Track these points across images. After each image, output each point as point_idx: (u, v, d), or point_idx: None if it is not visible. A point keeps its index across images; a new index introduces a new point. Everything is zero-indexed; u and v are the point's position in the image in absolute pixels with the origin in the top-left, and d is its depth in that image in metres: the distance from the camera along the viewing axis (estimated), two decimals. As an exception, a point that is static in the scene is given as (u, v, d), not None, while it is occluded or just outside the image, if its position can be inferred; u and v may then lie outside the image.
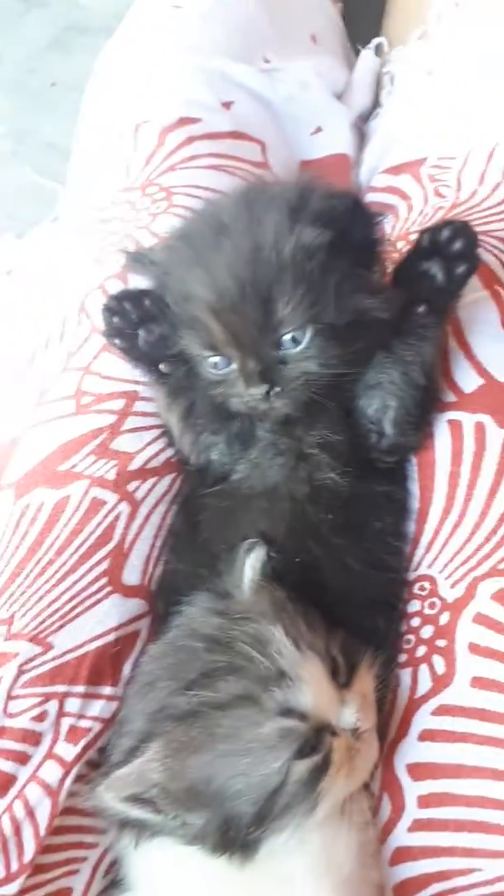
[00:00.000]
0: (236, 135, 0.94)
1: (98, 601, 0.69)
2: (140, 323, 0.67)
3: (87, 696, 0.67)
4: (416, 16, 1.05)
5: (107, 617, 0.69)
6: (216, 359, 0.65)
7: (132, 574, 0.71)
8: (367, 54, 1.10)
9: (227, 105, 0.94)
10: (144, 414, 0.76)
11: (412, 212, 0.90)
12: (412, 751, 0.65)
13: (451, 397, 0.73)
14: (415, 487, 0.73)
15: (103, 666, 0.68)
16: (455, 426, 0.72)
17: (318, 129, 1.03)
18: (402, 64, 1.05)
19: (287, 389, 0.64)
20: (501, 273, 0.79)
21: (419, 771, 0.64)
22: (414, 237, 0.69)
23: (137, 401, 0.76)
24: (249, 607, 0.64)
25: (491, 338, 0.74)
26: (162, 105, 0.94)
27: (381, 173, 0.99)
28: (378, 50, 1.11)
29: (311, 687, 0.59)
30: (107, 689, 0.68)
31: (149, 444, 0.76)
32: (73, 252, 0.90)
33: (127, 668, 0.69)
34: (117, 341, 0.68)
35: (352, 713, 0.61)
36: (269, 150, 0.96)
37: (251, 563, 0.66)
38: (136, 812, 0.58)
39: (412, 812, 0.63)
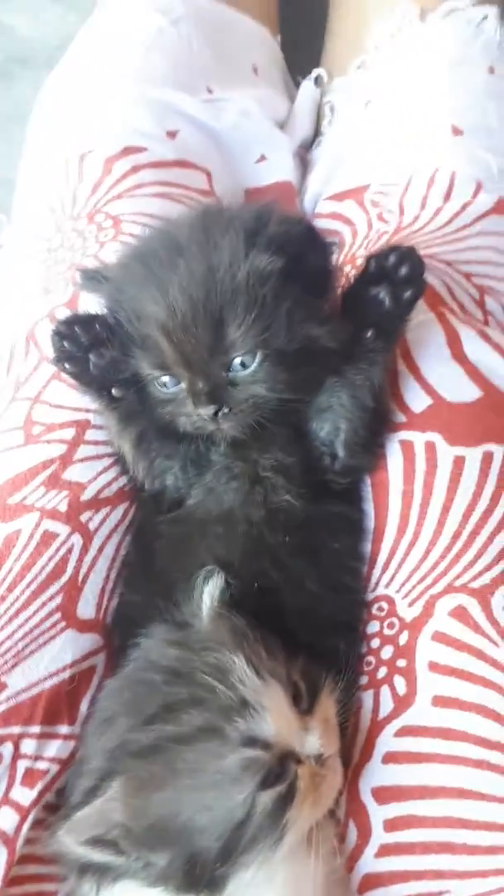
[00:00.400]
0: (182, 163, 0.94)
1: (52, 637, 0.67)
2: (90, 347, 0.65)
3: (44, 737, 0.65)
4: (354, 46, 1.07)
5: (62, 653, 0.67)
6: (165, 378, 0.65)
7: (86, 608, 0.70)
8: (307, 85, 1.12)
9: (171, 134, 0.94)
10: (96, 442, 0.75)
11: (357, 237, 0.91)
12: (376, 774, 0.64)
13: (401, 417, 0.74)
14: (369, 507, 0.74)
15: (59, 704, 0.66)
16: (406, 446, 0.72)
17: (262, 158, 1.04)
18: (341, 94, 1.07)
19: (235, 411, 0.64)
20: (445, 295, 0.81)
21: (384, 794, 0.63)
22: (360, 262, 0.70)
23: (89, 429, 0.75)
24: (209, 637, 0.63)
25: (438, 359, 0.75)
26: (106, 135, 0.93)
27: (325, 200, 1.01)
28: (317, 81, 1.12)
29: (273, 715, 0.58)
30: (63, 729, 0.66)
31: (101, 473, 0.74)
32: (20, 281, 0.89)
33: (84, 706, 0.68)
34: (67, 366, 0.66)
35: (315, 739, 0.60)
36: (214, 178, 0.97)
37: (209, 592, 0.65)
38: (98, 855, 0.56)
39: (379, 837, 0.62)
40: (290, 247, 0.63)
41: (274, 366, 0.63)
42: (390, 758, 0.64)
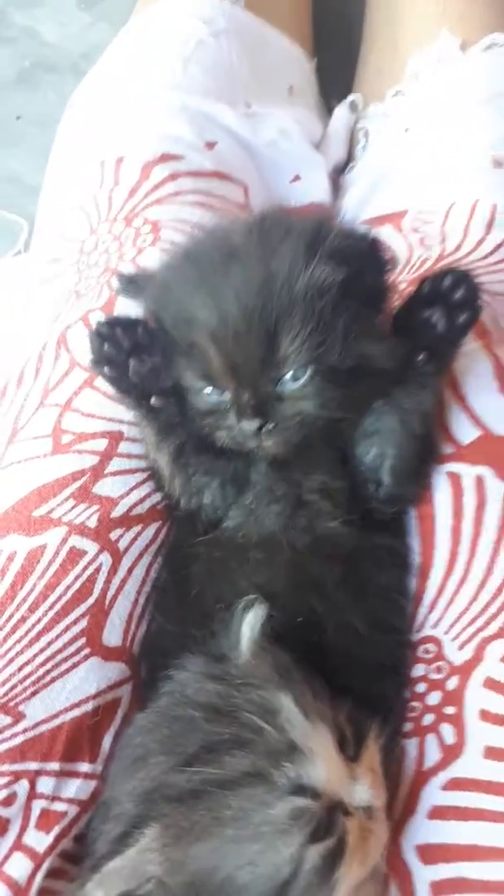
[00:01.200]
0: (220, 175, 0.91)
1: (75, 665, 0.62)
2: (131, 351, 0.62)
3: (63, 775, 0.59)
4: (390, 75, 1.06)
5: (85, 683, 0.62)
6: (209, 389, 0.61)
7: (113, 634, 0.65)
8: (341, 109, 1.10)
9: (210, 145, 0.92)
10: (129, 456, 0.70)
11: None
12: (421, 830, 0.59)
13: (448, 449, 0.70)
14: (415, 542, 0.70)
15: (80, 739, 0.61)
16: (454, 479, 0.69)
17: (297, 178, 1.02)
18: (377, 120, 1.05)
19: (280, 427, 0.60)
20: (491, 326, 0.78)
21: (430, 853, 0.58)
22: (404, 287, 0.68)
23: (122, 441, 0.71)
24: (251, 672, 0.58)
25: (486, 390, 0.72)
26: (143, 140, 0.91)
27: (361, 224, 0.98)
28: (352, 106, 1.11)
29: (323, 761, 0.53)
30: (84, 766, 0.60)
31: (134, 488, 0.70)
32: (50, 285, 0.84)
33: (106, 742, 0.62)
34: (106, 369, 0.62)
35: (365, 789, 0.56)
36: (250, 193, 0.95)
37: (249, 623, 0.60)
38: (128, 913, 0.50)
39: (424, 901, 0.57)
40: (350, 260, 0.60)
41: (325, 382, 0.60)
42: (437, 813, 0.59)
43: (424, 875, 0.58)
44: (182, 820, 0.51)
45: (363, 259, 0.61)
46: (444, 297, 0.63)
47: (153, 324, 0.63)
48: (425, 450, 0.68)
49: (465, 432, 0.70)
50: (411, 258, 0.88)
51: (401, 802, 0.62)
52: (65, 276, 0.84)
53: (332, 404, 0.61)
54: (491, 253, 0.85)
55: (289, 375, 0.60)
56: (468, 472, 0.68)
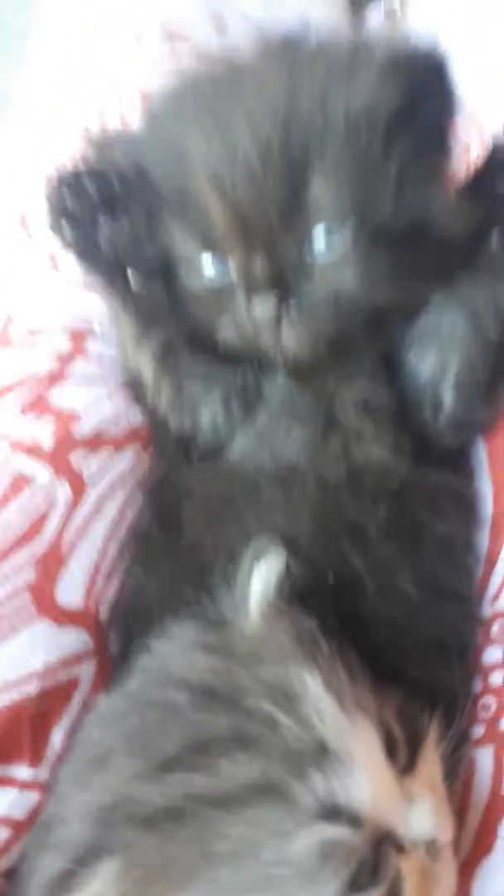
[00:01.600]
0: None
1: (14, 628, 0.47)
2: (102, 207, 0.47)
3: None
4: None
5: (27, 654, 0.47)
6: (208, 258, 0.47)
7: (71, 592, 0.50)
8: (376, 18, 0.96)
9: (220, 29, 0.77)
10: (100, 358, 0.56)
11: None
12: (501, 877, 0.43)
13: None
14: (486, 487, 0.54)
15: (18, 732, 0.45)
16: None
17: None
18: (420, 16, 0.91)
19: (307, 311, 0.45)
20: None
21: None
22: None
23: (90, 339, 0.56)
24: (261, 642, 0.42)
25: None
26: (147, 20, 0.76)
27: None
28: (388, 16, 0.96)
29: (367, 771, 0.37)
30: (22, 772, 0.45)
31: (104, 401, 0.55)
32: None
33: (56, 738, 0.47)
34: (68, 231, 0.48)
35: (426, 815, 0.40)
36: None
37: (261, 575, 0.45)
38: None
39: None
40: (411, 78, 0.45)
41: (370, 248, 0.45)
42: None
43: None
44: (153, 854, 0.35)
45: (426, 78, 0.46)
46: None
47: (135, 174, 0.48)
48: (501, 362, 0.52)
49: None
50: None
51: (470, 834, 0.46)
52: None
53: (380, 281, 0.46)
54: None
55: (320, 236, 0.45)
56: None
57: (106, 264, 0.49)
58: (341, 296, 0.46)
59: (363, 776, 0.37)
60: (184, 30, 0.79)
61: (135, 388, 0.55)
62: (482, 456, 0.55)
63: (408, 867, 0.37)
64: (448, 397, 0.51)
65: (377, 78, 0.44)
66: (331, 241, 0.45)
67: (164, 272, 0.49)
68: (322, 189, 0.44)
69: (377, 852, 0.37)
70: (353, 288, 0.45)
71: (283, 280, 0.45)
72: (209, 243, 0.46)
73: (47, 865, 0.37)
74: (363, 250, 0.45)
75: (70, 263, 0.55)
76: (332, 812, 0.36)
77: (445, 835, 0.40)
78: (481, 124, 0.64)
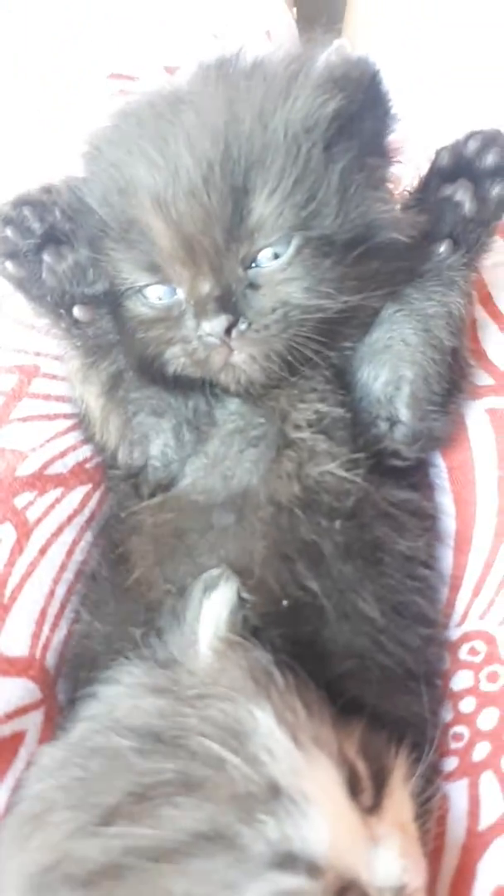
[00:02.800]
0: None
1: None
2: (45, 242, 0.46)
3: None
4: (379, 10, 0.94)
5: None
6: (155, 286, 0.45)
7: (15, 639, 0.47)
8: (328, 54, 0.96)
9: (170, 70, 0.76)
10: (47, 397, 0.54)
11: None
12: None
13: (486, 379, 0.53)
14: (447, 501, 0.51)
15: None
16: (497, 417, 0.52)
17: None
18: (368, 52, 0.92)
19: (257, 327, 0.43)
20: None
21: None
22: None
23: (37, 378, 0.54)
24: (211, 679, 0.39)
25: None
26: (95, 61, 0.76)
27: None
28: (338, 53, 0.97)
29: (325, 813, 0.33)
30: None
31: (51, 439, 0.52)
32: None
33: (2, 798, 0.43)
34: (9, 265, 0.46)
35: (393, 859, 0.36)
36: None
37: (212, 609, 0.42)
38: None
39: None
40: (348, 88, 0.44)
41: (316, 258, 0.43)
42: None
43: None
44: None
45: (363, 88, 0.45)
46: (469, 167, 0.48)
47: (79, 204, 0.46)
48: (456, 369, 0.50)
49: None
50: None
51: (447, 879, 0.42)
52: None
53: (328, 288, 0.44)
54: None
55: (266, 252, 0.43)
56: None
57: (51, 299, 0.48)
58: (290, 308, 0.44)
59: (321, 819, 0.34)
60: (133, 71, 0.78)
61: (83, 423, 0.52)
62: (442, 469, 0.53)
63: None
64: (404, 411, 0.50)
65: (314, 93, 0.43)
66: (277, 256, 0.43)
67: (112, 304, 0.47)
68: (265, 203, 0.42)
69: None
70: (301, 299, 0.44)
71: (231, 300, 0.43)
72: (155, 271, 0.44)
73: (-20, 937, 0.34)
74: (309, 261, 0.44)
75: (15, 303, 0.54)
76: (287, 860, 0.33)
77: (417, 880, 0.37)
78: (426, 144, 0.64)
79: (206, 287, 0.43)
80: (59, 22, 0.87)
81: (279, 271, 0.43)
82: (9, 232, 0.46)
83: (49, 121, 0.83)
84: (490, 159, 0.47)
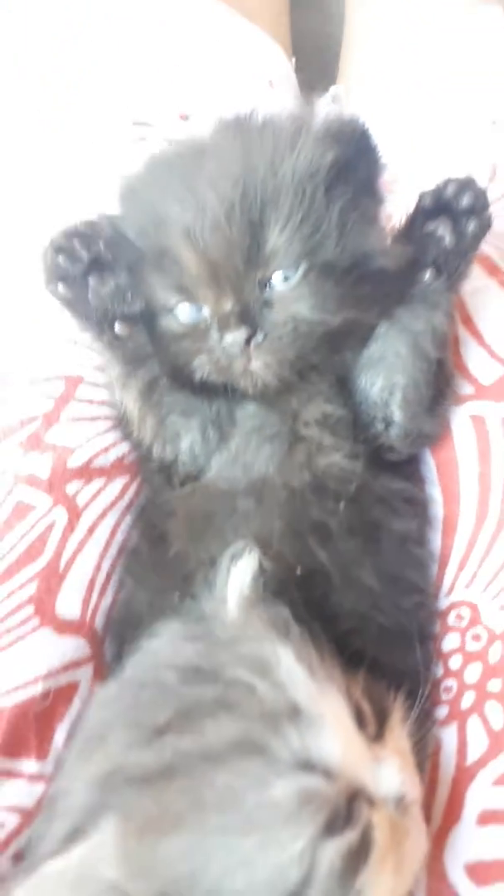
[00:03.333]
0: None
1: (20, 637, 0.51)
2: (91, 267, 0.53)
3: (0, 774, 0.46)
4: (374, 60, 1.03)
5: (32, 660, 0.50)
6: (184, 306, 0.52)
7: (69, 604, 0.54)
8: (324, 101, 1.06)
9: (183, 117, 0.86)
10: (91, 402, 0.61)
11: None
12: (471, 842, 0.46)
13: (468, 389, 0.61)
14: (436, 492, 0.59)
15: (25, 730, 0.49)
16: (478, 421, 0.59)
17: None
18: (364, 104, 1.01)
19: (271, 338, 0.51)
20: (502, 264, 0.70)
21: (485, 871, 0.45)
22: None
23: (81, 385, 0.61)
24: (239, 628, 0.46)
25: None
26: (120, 106, 0.85)
27: None
28: (335, 100, 1.07)
29: (336, 730, 0.41)
30: (29, 765, 0.48)
31: (95, 437, 0.60)
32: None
33: (59, 736, 0.50)
34: (61, 288, 0.53)
35: (394, 773, 0.42)
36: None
37: (238, 576, 0.48)
38: (73, 943, 0.36)
39: (482, 935, 0.43)
40: (342, 141, 0.53)
41: (320, 280, 0.52)
42: (490, 817, 0.46)
43: (479, 900, 0.43)
44: (150, 805, 0.38)
45: (355, 141, 0.54)
46: (448, 206, 0.56)
47: (118, 237, 0.54)
48: (442, 378, 0.58)
49: (487, 370, 0.61)
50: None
51: (440, 808, 0.49)
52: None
53: (330, 306, 0.52)
54: (496, 201, 0.78)
55: (278, 275, 0.51)
56: (494, 411, 0.59)
57: (95, 317, 0.54)
58: (299, 320, 0.51)
59: (333, 735, 0.40)
60: (150, 119, 0.85)
61: (122, 423, 0.59)
62: (431, 465, 0.60)
63: (379, 819, 0.40)
64: (397, 414, 0.57)
65: (314, 144, 0.51)
66: (287, 279, 0.51)
67: (147, 321, 0.54)
68: (278, 236, 0.50)
69: (350, 804, 0.40)
70: (308, 312, 0.51)
71: (250, 315, 0.50)
72: (185, 292, 0.52)
73: (54, 830, 0.41)
74: (315, 283, 0.51)
75: (60, 322, 0.62)
76: (308, 765, 0.39)
77: (414, 792, 0.44)
78: (414, 185, 0.74)
79: (227, 305, 0.51)
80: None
81: (289, 291, 0.51)
82: (60, 259, 0.52)
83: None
84: (466, 200, 0.55)
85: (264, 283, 0.51)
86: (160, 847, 0.37)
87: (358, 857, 0.38)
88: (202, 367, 0.53)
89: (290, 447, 0.54)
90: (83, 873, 0.36)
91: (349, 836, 0.38)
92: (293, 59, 1.13)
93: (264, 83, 1.01)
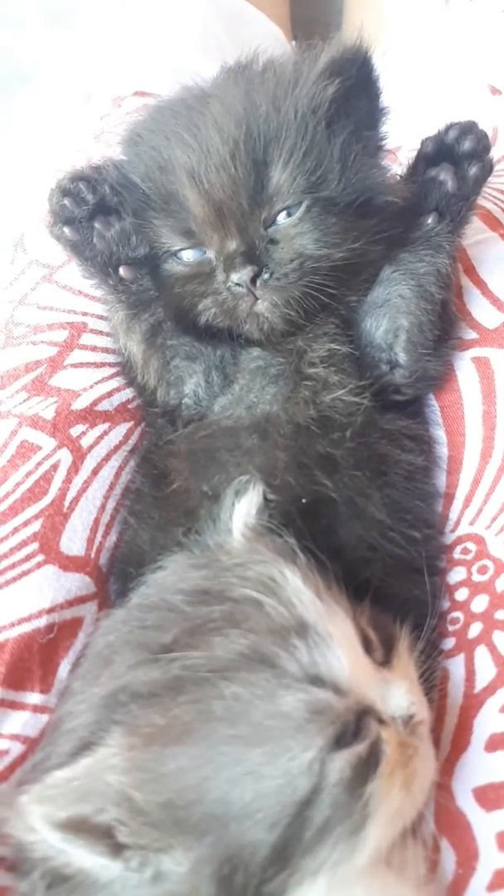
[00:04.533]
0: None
1: (25, 572, 0.51)
2: (96, 210, 0.53)
3: (4, 705, 0.46)
4: (374, 41, 1.03)
5: (36, 594, 0.50)
6: (189, 250, 0.53)
7: (73, 541, 0.54)
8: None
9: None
10: (94, 348, 0.61)
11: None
12: (479, 768, 0.46)
13: (472, 334, 0.61)
14: (441, 433, 0.59)
15: (29, 661, 0.48)
16: (482, 363, 0.59)
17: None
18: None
19: (278, 276, 0.51)
20: None
21: (493, 795, 0.45)
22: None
23: (85, 332, 0.61)
24: (245, 553, 0.46)
25: None
26: (116, 78, 0.85)
27: None
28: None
29: (344, 649, 0.40)
30: (33, 697, 0.48)
31: (99, 382, 0.59)
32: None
33: (63, 670, 0.50)
34: (66, 231, 0.53)
35: (402, 694, 0.42)
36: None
37: (243, 508, 0.48)
38: (80, 852, 0.35)
39: (490, 859, 0.43)
40: (344, 72, 0.52)
41: (324, 216, 0.52)
42: (499, 741, 0.46)
43: (488, 824, 0.44)
44: (156, 718, 0.37)
45: (356, 71, 0.53)
46: (450, 151, 0.56)
47: (124, 182, 0.54)
48: (446, 319, 0.58)
49: (490, 316, 0.61)
50: None
51: (448, 736, 0.49)
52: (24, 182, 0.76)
53: (334, 240, 0.52)
54: (497, 161, 0.78)
55: (282, 213, 0.51)
56: (497, 355, 0.59)
57: (100, 260, 0.54)
58: (304, 256, 0.51)
59: (342, 653, 0.40)
60: (152, 87, 0.84)
61: (126, 368, 0.59)
62: (436, 408, 0.60)
63: (387, 735, 0.40)
64: (402, 355, 0.57)
65: (315, 80, 0.51)
66: (290, 215, 0.51)
67: (152, 266, 0.54)
68: (280, 173, 0.50)
69: (359, 720, 0.40)
70: (312, 246, 0.51)
71: (255, 254, 0.51)
72: (190, 235, 0.52)
73: (60, 747, 0.40)
74: (318, 218, 0.51)
75: (65, 273, 0.62)
76: (317, 680, 0.39)
77: (422, 712, 0.43)
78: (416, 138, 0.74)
79: (233, 245, 0.51)
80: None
81: (293, 227, 0.51)
82: (66, 202, 0.53)
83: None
84: (467, 145, 0.55)
85: (269, 222, 0.51)
86: (167, 757, 0.37)
87: (367, 766, 0.38)
88: (207, 310, 0.53)
89: (295, 385, 0.54)
90: (90, 782, 0.36)
91: (358, 748, 0.38)
92: (293, 43, 1.13)
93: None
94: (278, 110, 0.51)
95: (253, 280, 0.50)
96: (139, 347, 0.56)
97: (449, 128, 0.56)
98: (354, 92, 0.53)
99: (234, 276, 0.50)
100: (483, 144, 0.56)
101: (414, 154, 0.59)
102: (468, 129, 0.56)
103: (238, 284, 0.51)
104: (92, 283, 0.57)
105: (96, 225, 0.53)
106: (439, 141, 0.56)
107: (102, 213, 0.54)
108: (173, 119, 0.54)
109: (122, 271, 0.55)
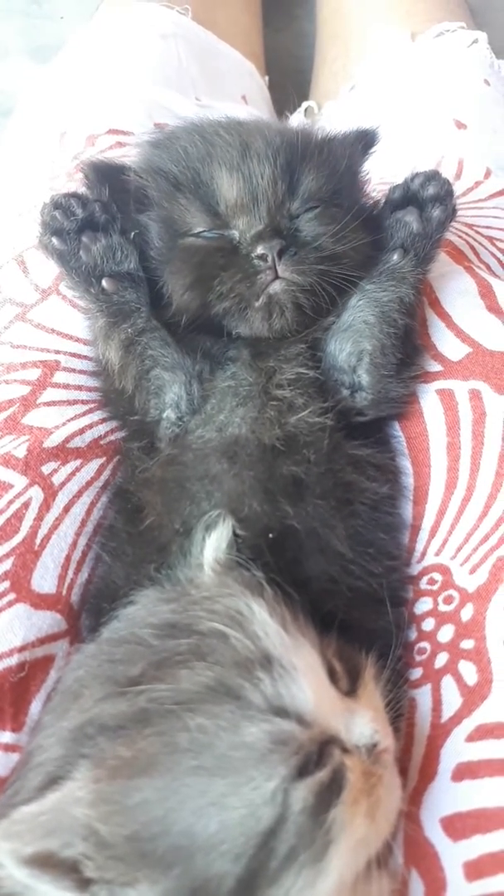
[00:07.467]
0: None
1: None
2: (84, 225, 0.57)
3: None
4: (343, 76, 1.09)
5: (8, 632, 0.50)
6: (212, 232, 0.58)
7: (45, 579, 0.54)
8: (297, 116, 1.10)
9: (159, 126, 0.88)
10: (67, 386, 0.61)
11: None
12: (447, 797, 0.46)
13: (436, 367, 0.63)
14: (406, 464, 0.61)
15: (0, 700, 0.48)
16: (446, 395, 0.61)
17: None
18: (334, 115, 1.05)
19: (301, 255, 0.56)
20: (470, 254, 0.73)
21: (460, 825, 0.45)
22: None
23: (58, 371, 0.62)
24: (214, 587, 0.46)
25: (473, 307, 0.65)
26: (90, 117, 0.87)
27: None
28: (308, 112, 1.11)
29: (309, 680, 0.41)
30: (4, 735, 0.48)
31: (71, 419, 0.60)
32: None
33: (35, 708, 0.50)
34: (54, 241, 0.56)
35: (366, 723, 0.43)
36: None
37: (213, 543, 0.50)
38: (47, 887, 0.36)
39: (459, 890, 0.43)
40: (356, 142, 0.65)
41: (335, 217, 0.58)
42: (465, 771, 0.47)
43: (455, 854, 0.44)
44: (122, 750, 0.38)
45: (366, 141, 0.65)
46: (415, 196, 0.61)
47: (140, 181, 0.60)
48: (409, 343, 0.60)
49: (454, 349, 0.63)
50: None
51: (416, 766, 0.49)
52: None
53: (345, 239, 0.57)
54: (463, 194, 0.82)
55: (304, 209, 0.58)
56: (461, 387, 0.61)
57: (84, 271, 0.57)
58: (323, 243, 0.56)
59: (306, 684, 0.41)
60: (126, 125, 0.87)
61: (104, 374, 0.60)
62: (401, 440, 0.61)
63: (351, 763, 0.41)
64: (365, 378, 0.59)
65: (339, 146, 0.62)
66: (311, 210, 0.57)
67: (134, 281, 0.57)
68: (309, 179, 0.57)
69: (322, 749, 0.40)
70: (329, 241, 0.56)
71: (283, 233, 0.55)
72: (216, 216, 0.57)
73: (29, 782, 0.41)
74: (332, 218, 0.57)
75: (38, 312, 0.63)
76: (280, 711, 0.40)
77: (386, 741, 0.44)
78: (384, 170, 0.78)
79: (261, 225, 0.56)
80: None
81: (314, 220, 0.57)
82: (57, 213, 0.56)
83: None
84: (431, 190, 0.60)
85: (295, 214, 0.57)
86: (132, 789, 0.37)
87: (329, 792, 0.39)
88: (223, 284, 0.55)
89: (262, 406, 0.56)
90: (57, 816, 0.36)
91: (320, 775, 0.39)
92: (266, 78, 1.17)
93: (237, 98, 1.05)
94: (307, 139, 0.59)
95: (279, 254, 0.54)
96: (117, 354, 0.58)
97: (414, 176, 0.62)
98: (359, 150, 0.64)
99: (261, 247, 0.54)
100: (446, 189, 0.61)
101: (382, 201, 0.64)
102: (432, 176, 0.61)
103: (261, 258, 0.54)
104: (75, 294, 0.59)
105: (83, 238, 0.56)
106: (405, 188, 0.62)
107: (91, 229, 0.57)
108: (211, 126, 0.61)
109: (104, 283, 0.57)
